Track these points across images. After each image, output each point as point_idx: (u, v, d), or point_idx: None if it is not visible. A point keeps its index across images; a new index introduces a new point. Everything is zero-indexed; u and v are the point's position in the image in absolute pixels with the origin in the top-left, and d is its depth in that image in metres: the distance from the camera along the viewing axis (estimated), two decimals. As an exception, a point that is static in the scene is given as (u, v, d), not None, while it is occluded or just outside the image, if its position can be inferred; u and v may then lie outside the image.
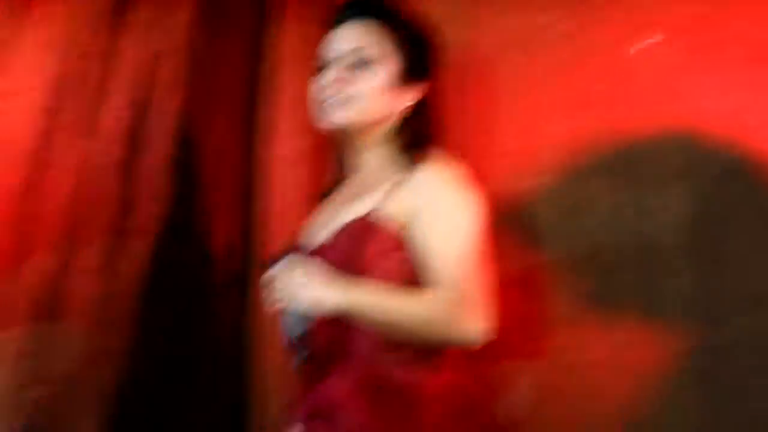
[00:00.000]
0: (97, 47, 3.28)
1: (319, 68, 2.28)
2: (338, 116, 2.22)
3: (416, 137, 2.26)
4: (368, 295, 2.08)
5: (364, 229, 2.15)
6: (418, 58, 2.29)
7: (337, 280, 2.09)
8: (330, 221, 2.26)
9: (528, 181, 2.80)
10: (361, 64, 2.23)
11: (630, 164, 2.74)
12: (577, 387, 2.70)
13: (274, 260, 2.15)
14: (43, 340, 3.02)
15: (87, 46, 3.27)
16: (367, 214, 2.17)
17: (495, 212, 2.75)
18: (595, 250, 2.73)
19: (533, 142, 2.82)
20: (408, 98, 2.26)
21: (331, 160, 2.48)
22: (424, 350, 2.17)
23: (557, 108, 2.81)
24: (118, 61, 3.28)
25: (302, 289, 2.06)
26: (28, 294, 3.07)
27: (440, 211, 2.15)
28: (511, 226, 2.80)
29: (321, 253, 2.21)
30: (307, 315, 2.10)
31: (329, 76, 2.24)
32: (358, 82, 2.23)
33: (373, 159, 2.29)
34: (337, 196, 2.36)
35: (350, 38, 2.26)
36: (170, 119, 3.16)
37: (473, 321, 2.08)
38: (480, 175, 2.78)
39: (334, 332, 2.20)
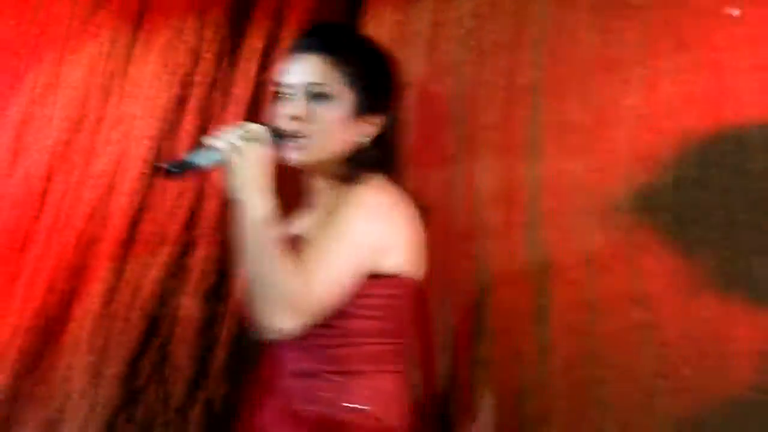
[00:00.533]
0: (205, 76, 3.44)
1: (276, 94, 2.26)
2: (294, 157, 2.19)
3: (364, 168, 2.22)
4: (268, 226, 2.06)
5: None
6: (375, 91, 2.25)
7: (266, 184, 2.07)
8: None
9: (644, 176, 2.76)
10: (316, 98, 2.20)
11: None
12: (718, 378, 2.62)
13: (269, 127, 2.14)
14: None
15: (194, 75, 3.44)
16: (296, 236, 2.18)
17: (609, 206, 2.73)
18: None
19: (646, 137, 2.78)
20: (363, 131, 2.23)
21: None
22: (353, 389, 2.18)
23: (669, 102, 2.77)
24: (229, 90, 3.41)
25: (243, 149, 2.06)
26: (140, 312, 3.22)
27: (334, 219, 2.11)
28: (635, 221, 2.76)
29: None
30: (209, 160, 2.07)
31: (285, 109, 2.22)
32: (312, 119, 2.20)
33: (324, 187, 2.27)
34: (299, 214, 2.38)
35: (306, 71, 2.22)
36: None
37: (289, 315, 2.03)
38: (592, 168, 2.79)
39: (268, 370, 2.26)
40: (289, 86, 2.21)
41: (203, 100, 3.42)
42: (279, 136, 2.13)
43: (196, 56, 3.47)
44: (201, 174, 2.20)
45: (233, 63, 3.45)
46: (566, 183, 2.78)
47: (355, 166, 2.20)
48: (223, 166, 2.05)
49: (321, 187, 2.27)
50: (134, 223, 3.35)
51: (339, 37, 2.25)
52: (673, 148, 2.72)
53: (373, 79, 2.23)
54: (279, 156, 2.16)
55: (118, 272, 3.29)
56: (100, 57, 3.58)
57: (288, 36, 3.40)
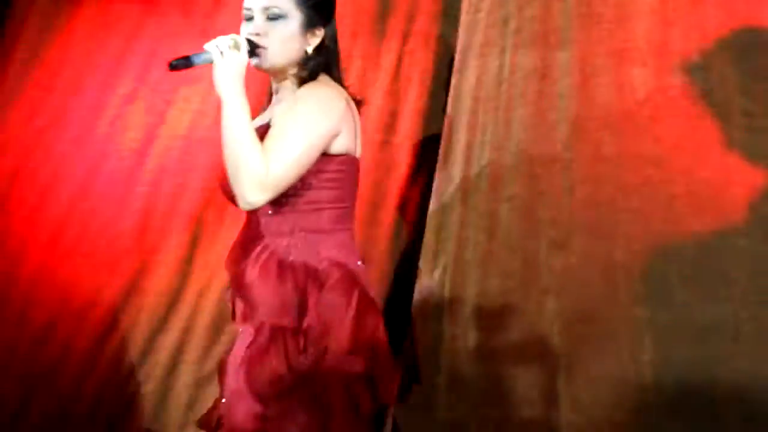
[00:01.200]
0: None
1: (245, 17, 2.74)
2: (258, 62, 2.68)
3: (313, 70, 2.71)
4: (240, 116, 2.56)
5: (261, 137, 2.62)
6: (317, 10, 2.74)
7: (240, 82, 2.58)
8: None
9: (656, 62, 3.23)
10: (273, 17, 2.69)
11: None
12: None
13: (248, 40, 2.63)
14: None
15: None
16: (265, 125, 2.67)
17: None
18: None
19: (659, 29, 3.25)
20: (310, 42, 2.72)
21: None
22: (323, 241, 2.66)
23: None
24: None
25: (227, 53, 2.57)
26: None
27: (293, 110, 2.61)
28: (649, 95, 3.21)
29: None
30: (202, 59, 2.59)
31: (251, 27, 2.69)
32: (271, 33, 2.69)
33: (285, 85, 2.76)
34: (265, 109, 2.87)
35: None
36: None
37: (256, 191, 2.54)
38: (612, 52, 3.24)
39: (250, 233, 2.71)
40: (251, 9, 2.70)
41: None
42: (252, 46, 2.63)
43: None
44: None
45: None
46: (590, 63, 3.25)
47: (307, 69, 2.69)
48: (211, 64, 2.56)
49: (281, 86, 2.74)
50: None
51: None
52: (684, 40, 3.18)
53: (316, 0, 2.73)
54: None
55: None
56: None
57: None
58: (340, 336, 2.58)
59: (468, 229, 3.24)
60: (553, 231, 3.12)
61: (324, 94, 2.64)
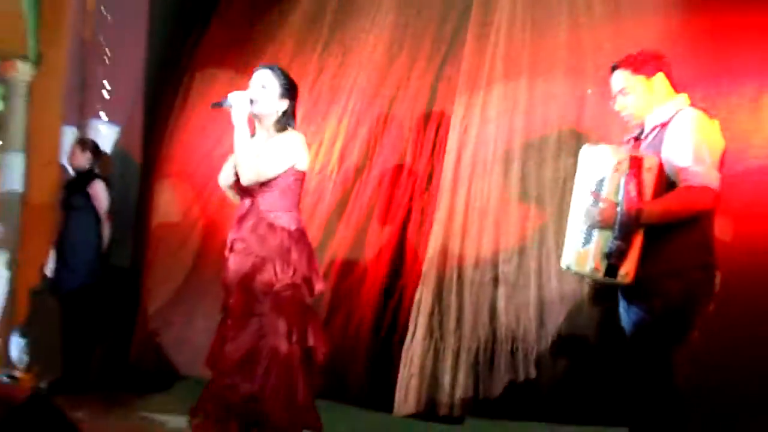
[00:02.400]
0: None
1: (248, 85, 4.46)
2: (253, 111, 4.38)
3: (284, 123, 4.49)
4: (246, 137, 4.42)
5: None
6: (287, 89, 4.50)
7: (246, 120, 4.42)
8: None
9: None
10: (264, 87, 4.44)
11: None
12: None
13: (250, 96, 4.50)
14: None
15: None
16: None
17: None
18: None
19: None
20: (281, 106, 4.48)
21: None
22: (289, 211, 4.54)
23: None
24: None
25: (239, 103, 4.40)
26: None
27: (280, 142, 4.39)
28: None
29: None
30: (227, 104, 4.45)
31: (251, 93, 4.40)
32: (262, 96, 4.43)
33: (267, 128, 4.49)
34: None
35: (261, 77, 4.47)
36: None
37: (250, 175, 4.34)
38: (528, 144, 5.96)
39: (246, 210, 4.59)
40: (254, 83, 4.50)
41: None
42: (251, 101, 4.44)
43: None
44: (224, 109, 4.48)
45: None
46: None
47: (281, 123, 4.54)
48: (230, 108, 4.40)
49: (264, 127, 4.54)
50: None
51: (275, 67, 4.66)
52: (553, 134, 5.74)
53: (287, 84, 4.57)
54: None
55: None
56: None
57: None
58: (303, 268, 4.51)
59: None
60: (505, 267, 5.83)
61: (297, 138, 4.54)
